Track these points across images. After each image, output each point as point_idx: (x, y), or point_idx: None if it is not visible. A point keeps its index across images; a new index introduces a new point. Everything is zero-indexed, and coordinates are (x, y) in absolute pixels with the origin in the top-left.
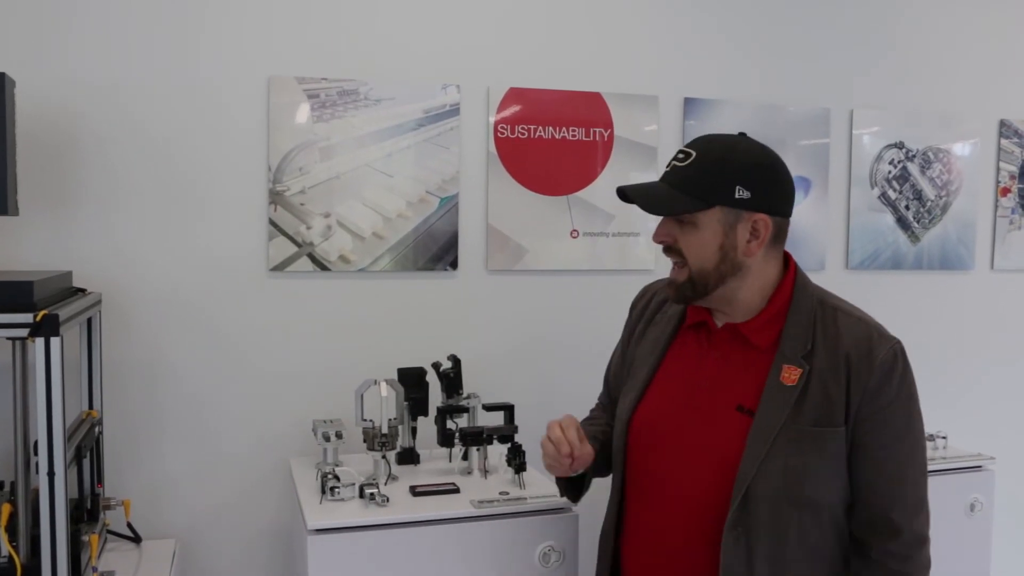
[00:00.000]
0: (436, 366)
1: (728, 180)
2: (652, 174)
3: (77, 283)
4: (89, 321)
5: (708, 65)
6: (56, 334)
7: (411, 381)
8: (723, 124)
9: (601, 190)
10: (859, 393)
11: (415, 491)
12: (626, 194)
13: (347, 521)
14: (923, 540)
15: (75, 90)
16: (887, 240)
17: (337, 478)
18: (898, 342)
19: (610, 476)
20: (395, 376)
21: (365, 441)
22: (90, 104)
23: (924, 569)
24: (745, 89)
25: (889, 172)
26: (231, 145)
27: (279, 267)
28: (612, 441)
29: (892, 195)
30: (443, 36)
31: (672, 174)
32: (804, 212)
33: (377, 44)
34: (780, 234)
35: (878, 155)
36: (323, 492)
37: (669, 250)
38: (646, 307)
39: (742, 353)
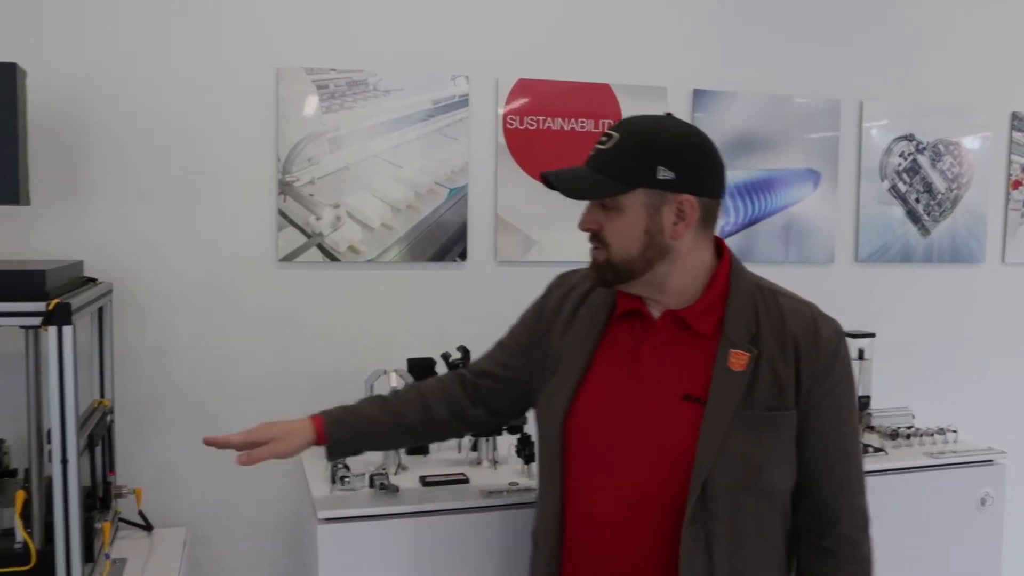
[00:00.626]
0: (445, 357)
1: (651, 161)
2: None
3: (88, 273)
4: (100, 311)
5: (717, 57)
6: (68, 323)
7: (421, 372)
8: (732, 116)
9: None
10: (809, 375)
11: (425, 481)
12: (549, 180)
13: (357, 511)
14: (868, 522)
15: (86, 80)
16: (897, 233)
17: (347, 468)
18: (838, 323)
19: None
20: (405, 367)
21: None
22: (100, 94)
23: (871, 552)
24: (755, 81)
25: (899, 165)
26: (241, 136)
27: (288, 257)
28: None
29: (902, 188)
30: (452, 27)
31: (595, 158)
32: (813, 205)
33: (386, 35)
34: (709, 216)
35: (888, 147)
36: (333, 482)
37: (595, 237)
38: (564, 298)
39: (683, 340)
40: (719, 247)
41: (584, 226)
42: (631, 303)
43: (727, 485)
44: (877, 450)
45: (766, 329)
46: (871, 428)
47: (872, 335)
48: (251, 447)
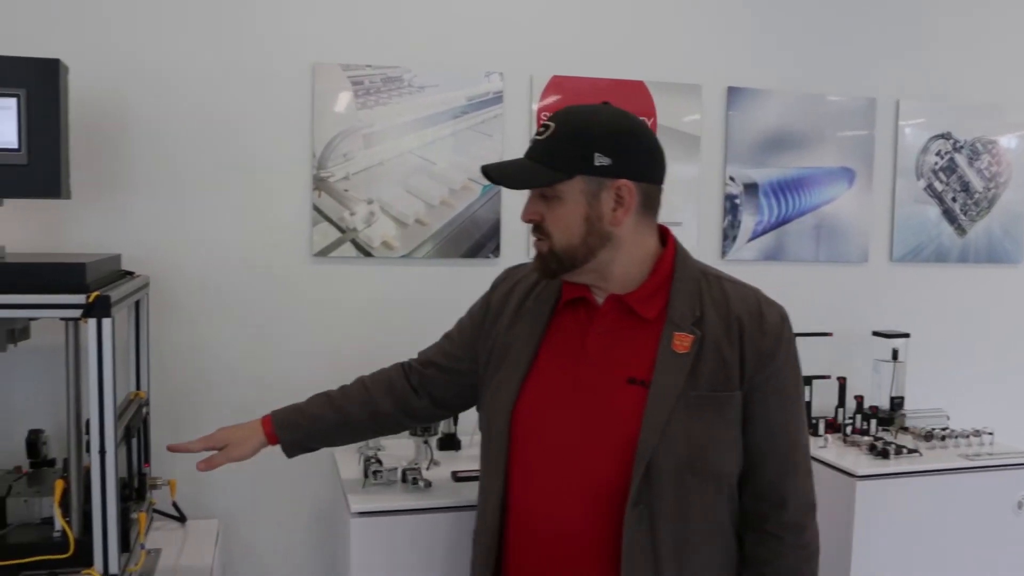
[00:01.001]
0: None
1: (587, 148)
2: (694, 164)
3: (125, 266)
4: (137, 304)
5: (752, 54)
6: (108, 315)
7: None
8: (766, 113)
9: None
10: (753, 356)
11: (456, 476)
12: (489, 173)
13: (390, 505)
14: (813, 507)
15: (125, 76)
16: (932, 233)
17: (380, 462)
18: (782, 307)
19: None
20: None
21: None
22: (139, 90)
23: (816, 537)
24: (790, 79)
25: (936, 163)
26: (276, 131)
27: (322, 252)
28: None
29: (939, 187)
30: (487, 24)
31: (533, 148)
32: (847, 203)
33: (421, 31)
34: (650, 202)
35: (924, 146)
36: (366, 476)
37: (537, 228)
38: (510, 291)
39: (628, 325)
40: (664, 235)
41: (526, 217)
42: (576, 290)
43: (671, 466)
44: (911, 451)
45: (710, 312)
46: (905, 429)
47: (907, 335)
48: (209, 451)
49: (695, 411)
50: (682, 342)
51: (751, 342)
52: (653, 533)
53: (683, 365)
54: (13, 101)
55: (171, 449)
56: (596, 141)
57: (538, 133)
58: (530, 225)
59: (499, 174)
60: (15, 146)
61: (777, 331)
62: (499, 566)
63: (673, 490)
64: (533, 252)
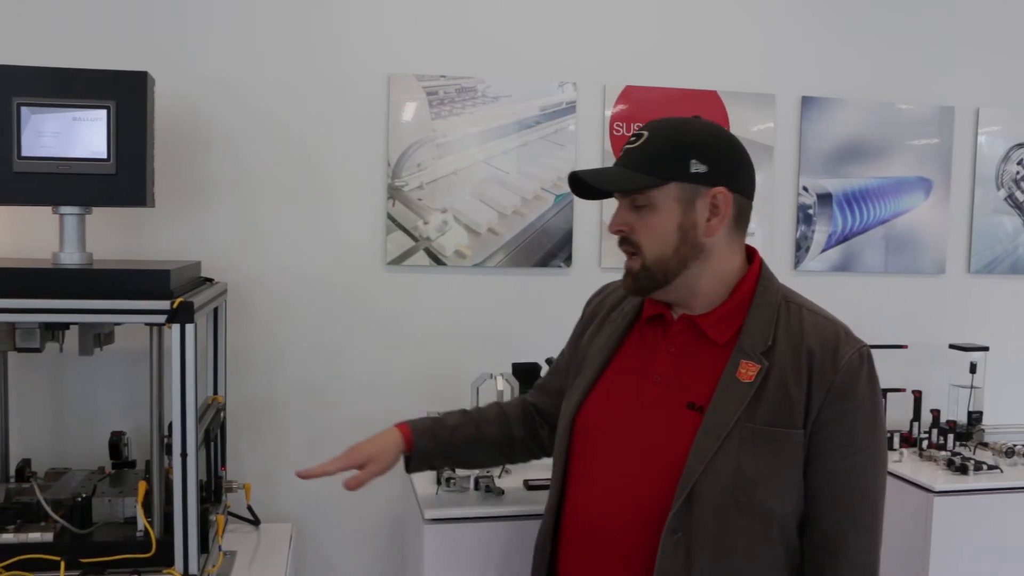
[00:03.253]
0: (549, 361)
1: (683, 155)
2: (765, 174)
3: (204, 273)
4: (215, 310)
5: (827, 63)
6: (191, 321)
7: (526, 376)
8: (841, 123)
9: None
10: (821, 393)
11: (529, 485)
12: (579, 179)
13: (463, 512)
14: (872, 566)
15: (205, 88)
16: (1011, 244)
17: (452, 470)
18: (866, 345)
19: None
20: (510, 371)
21: None
22: (219, 101)
23: None
24: (865, 87)
25: (1017, 173)
26: (352, 141)
27: (396, 261)
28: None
29: (1020, 197)
30: (560, 34)
31: (625, 156)
32: (924, 214)
33: (495, 42)
34: (742, 215)
35: (1005, 155)
36: (439, 483)
37: (624, 241)
38: (600, 305)
39: (698, 348)
40: (752, 255)
41: (614, 227)
42: (656, 308)
43: (714, 497)
44: (992, 467)
45: (783, 341)
46: (984, 444)
47: (986, 348)
48: (348, 471)
49: (748, 444)
50: (747, 371)
51: (820, 378)
52: (689, 564)
53: (744, 395)
54: (103, 113)
55: (302, 475)
56: (692, 148)
57: (630, 142)
58: (613, 237)
59: (594, 177)
60: (104, 156)
61: (853, 369)
62: (553, 567)
63: (714, 522)
64: (617, 267)
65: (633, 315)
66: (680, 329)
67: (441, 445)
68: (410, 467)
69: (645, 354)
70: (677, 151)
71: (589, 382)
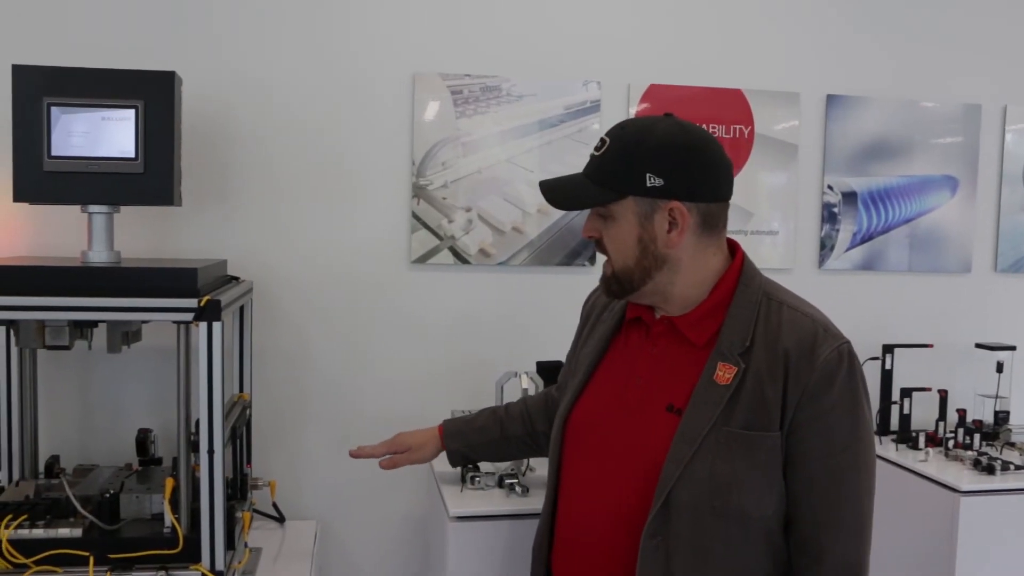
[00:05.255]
0: None
1: (638, 168)
2: (790, 173)
3: (230, 271)
4: (242, 308)
5: (852, 61)
6: (218, 319)
7: (550, 374)
8: (867, 121)
9: (740, 188)
10: (797, 394)
11: None
12: (543, 189)
13: (488, 510)
14: (857, 568)
15: (231, 87)
16: None
17: (477, 468)
18: (847, 342)
19: None
20: (534, 369)
21: None
22: (244, 101)
23: None
24: (890, 85)
25: None
26: (377, 140)
27: (421, 259)
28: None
29: None
30: (584, 33)
31: (589, 164)
32: (949, 212)
33: (519, 41)
34: (711, 220)
35: None
36: (463, 481)
37: (598, 245)
38: (593, 305)
39: (678, 349)
40: (735, 250)
41: (584, 233)
42: (637, 310)
43: (690, 502)
44: (1019, 467)
45: (760, 342)
46: (1011, 444)
47: (1012, 348)
48: (391, 454)
49: (723, 448)
50: (725, 373)
51: (796, 379)
52: (669, 568)
53: (720, 397)
54: (131, 112)
55: (353, 455)
56: (648, 160)
57: (596, 148)
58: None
59: (549, 191)
60: (132, 155)
61: (830, 368)
62: (549, 569)
63: (692, 527)
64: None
65: (620, 316)
66: (660, 331)
67: (472, 445)
68: (452, 463)
69: (629, 356)
70: (633, 164)
71: (579, 386)
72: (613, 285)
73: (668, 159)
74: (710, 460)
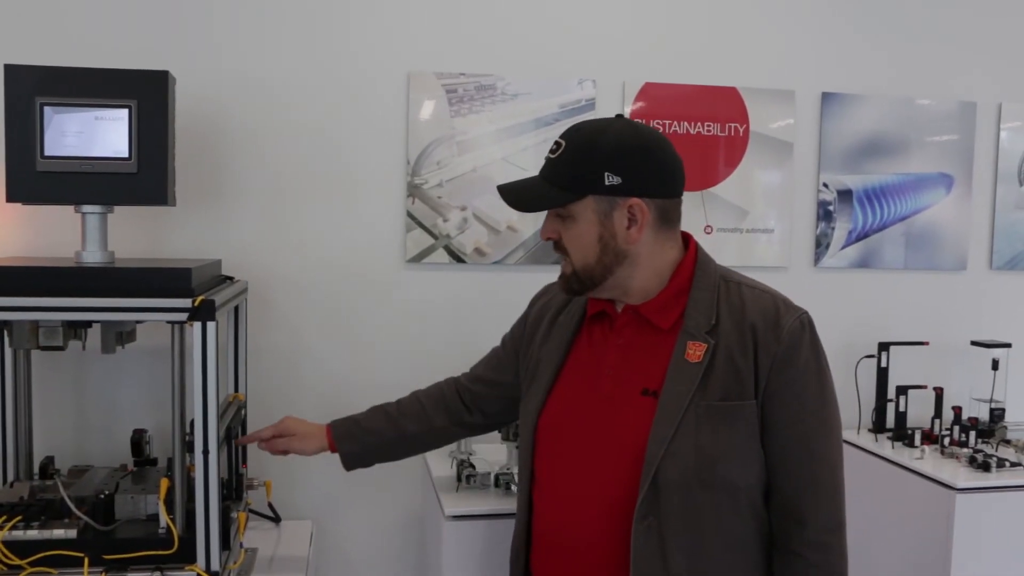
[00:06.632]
0: None
1: (596, 167)
2: (785, 171)
3: (225, 271)
4: (236, 308)
5: (847, 59)
6: (212, 319)
7: None
8: (862, 119)
9: (736, 186)
10: (768, 363)
11: None
12: (502, 193)
13: (483, 508)
14: (839, 526)
15: (225, 86)
16: None
17: (473, 467)
18: (805, 313)
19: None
20: None
21: (499, 431)
22: (239, 99)
23: (843, 558)
24: (885, 83)
25: None
26: (372, 139)
27: (416, 258)
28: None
29: None
30: (579, 32)
31: (546, 167)
32: (944, 210)
33: (514, 40)
34: (667, 215)
35: None
36: (459, 480)
37: (556, 246)
38: (546, 307)
39: (645, 336)
40: (688, 242)
41: (543, 235)
42: (599, 305)
43: (678, 478)
44: (1015, 465)
45: (726, 318)
46: (1007, 442)
47: (1008, 345)
48: (278, 438)
49: (704, 422)
50: (695, 351)
51: (765, 349)
52: (663, 547)
53: (694, 375)
54: (125, 112)
55: (239, 442)
56: (605, 160)
57: (551, 151)
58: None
59: (509, 194)
60: (126, 155)
61: (794, 337)
62: (528, 571)
63: (682, 503)
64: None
65: (580, 315)
66: (625, 321)
67: (366, 447)
68: (347, 466)
69: (596, 351)
70: (590, 164)
71: (546, 388)
72: (574, 283)
73: (625, 158)
74: (693, 435)
